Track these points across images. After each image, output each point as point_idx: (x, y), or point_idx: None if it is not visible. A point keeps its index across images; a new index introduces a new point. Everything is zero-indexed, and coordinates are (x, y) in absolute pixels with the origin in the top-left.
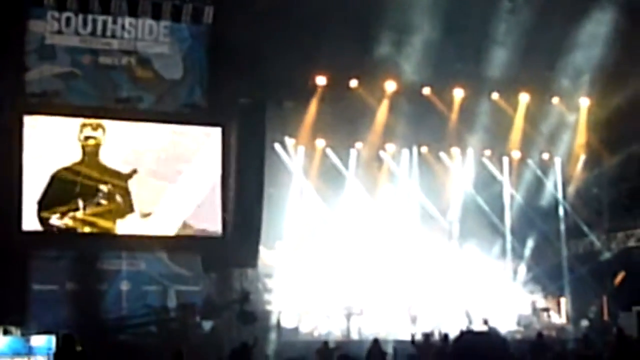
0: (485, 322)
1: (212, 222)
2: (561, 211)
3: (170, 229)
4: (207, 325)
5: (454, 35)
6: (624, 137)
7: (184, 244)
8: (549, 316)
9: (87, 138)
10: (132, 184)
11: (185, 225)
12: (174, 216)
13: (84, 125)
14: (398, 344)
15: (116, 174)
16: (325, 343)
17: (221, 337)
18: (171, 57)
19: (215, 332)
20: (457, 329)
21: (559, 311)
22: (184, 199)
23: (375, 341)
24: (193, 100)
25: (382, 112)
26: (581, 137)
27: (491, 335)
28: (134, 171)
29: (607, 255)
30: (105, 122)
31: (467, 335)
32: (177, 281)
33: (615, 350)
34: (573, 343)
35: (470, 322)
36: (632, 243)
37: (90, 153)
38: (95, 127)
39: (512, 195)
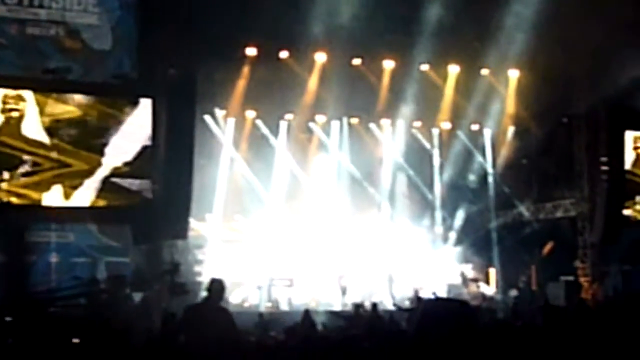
0: (416, 293)
1: (142, 193)
2: (490, 182)
3: (98, 200)
4: (137, 296)
5: (383, 7)
6: (551, 108)
7: (114, 216)
8: (478, 286)
9: (10, 110)
10: (58, 155)
11: (115, 196)
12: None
13: (6, 97)
14: (328, 314)
15: (41, 145)
16: (261, 315)
17: (151, 308)
18: (100, 28)
19: (145, 304)
20: (387, 299)
21: (488, 281)
22: (114, 170)
23: (307, 312)
24: (122, 72)
25: (312, 83)
26: (510, 108)
27: (458, 302)
28: (60, 141)
29: (535, 225)
30: (30, 93)
31: (432, 302)
32: (107, 253)
33: (542, 319)
34: (502, 313)
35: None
36: (560, 213)
37: (14, 124)
38: (19, 98)
39: (442, 167)
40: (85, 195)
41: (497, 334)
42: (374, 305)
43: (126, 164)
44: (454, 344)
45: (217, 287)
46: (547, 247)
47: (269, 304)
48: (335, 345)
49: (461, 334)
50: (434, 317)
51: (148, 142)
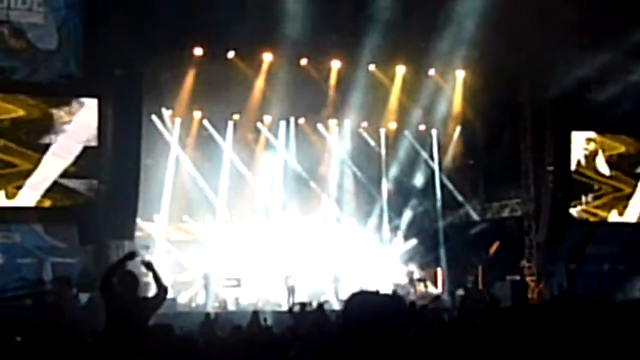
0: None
1: (88, 194)
2: (437, 182)
3: (45, 201)
4: (84, 298)
5: (330, 7)
6: (498, 108)
7: (61, 217)
8: (425, 286)
9: None
10: (3, 155)
11: (61, 196)
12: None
13: None
14: (276, 314)
15: None
16: (208, 315)
17: (98, 309)
18: (46, 28)
19: (92, 305)
20: (334, 299)
21: (435, 281)
22: (59, 170)
23: (255, 313)
24: (69, 71)
25: (259, 83)
26: (457, 108)
27: (388, 295)
28: (6, 141)
29: (482, 225)
30: None
31: (360, 295)
32: (53, 254)
33: (488, 319)
34: (449, 312)
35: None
36: (506, 213)
37: None
38: None
39: (389, 167)
40: (31, 195)
41: (444, 333)
42: (320, 305)
43: (72, 164)
44: (381, 340)
45: (129, 280)
46: (494, 247)
47: (217, 304)
48: (281, 345)
49: (387, 328)
50: (359, 311)
51: (94, 143)
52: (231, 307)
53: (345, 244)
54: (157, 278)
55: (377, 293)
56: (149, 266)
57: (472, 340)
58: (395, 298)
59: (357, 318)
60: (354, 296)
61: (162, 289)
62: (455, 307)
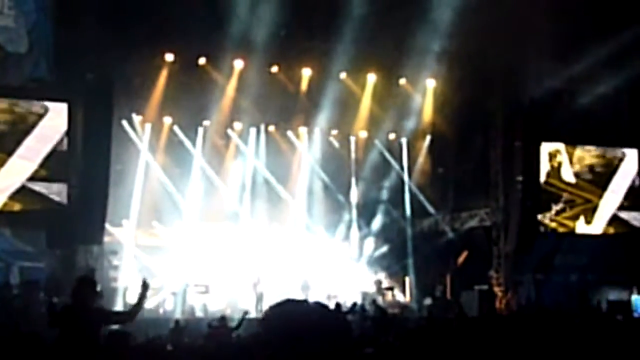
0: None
1: (57, 198)
2: (407, 191)
3: (12, 204)
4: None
5: (301, 14)
6: (468, 118)
7: (28, 220)
8: (393, 295)
9: None
10: None
11: (29, 200)
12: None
13: None
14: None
15: None
16: (177, 322)
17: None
18: (16, 31)
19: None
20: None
21: (403, 290)
22: (28, 174)
23: (222, 318)
24: (39, 75)
25: (229, 90)
26: (427, 117)
27: (315, 305)
28: None
29: (450, 234)
30: None
31: (283, 304)
32: (21, 257)
33: (455, 327)
34: (416, 321)
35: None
36: (474, 223)
37: None
38: None
39: (358, 175)
40: None
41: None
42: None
43: (41, 167)
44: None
45: (84, 287)
46: (462, 257)
47: (184, 310)
48: (249, 351)
49: (311, 339)
50: (277, 321)
51: (63, 146)
52: (199, 314)
53: (313, 251)
54: (141, 299)
55: (303, 302)
56: (145, 286)
57: (439, 349)
58: (326, 307)
59: (275, 328)
60: (277, 305)
61: (135, 313)
62: (423, 315)
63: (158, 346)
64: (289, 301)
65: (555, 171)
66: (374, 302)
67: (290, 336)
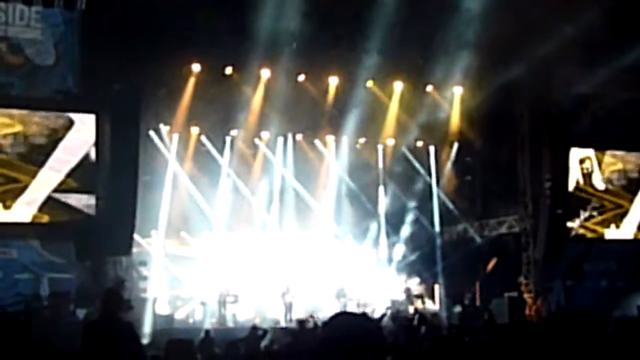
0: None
1: (86, 209)
2: (435, 198)
3: (41, 216)
4: (81, 313)
5: (329, 23)
6: (495, 124)
7: (57, 232)
8: (423, 302)
9: None
10: (4, 170)
11: (57, 212)
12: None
13: None
14: (273, 330)
15: None
16: (207, 331)
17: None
18: (43, 43)
19: (89, 320)
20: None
21: (432, 297)
22: (56, 185)
23: (254, 328)
24: (66, 87)
25: (257, 99)
26: (454, 125)
27: (365, 317)
28: (5, 156)
29: (479, 241)
30: None
31: (341, 317)
32: (50, 269)
33: (486, 335)
34: (447, 329)
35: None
36: (503, 230)
37: None
38: None
39: (386, 183)
40: (27, 210)
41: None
42: (321, 322)
43: (69, 179)
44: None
45: (112, 299)
46: (491, 264)
47: (214, 320)
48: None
49: (362, 349)
50: (339, 331)
51: (91, 158)
52: (229, 324)
53: (342, 259)
54: None
55: (358, 315)
56: None
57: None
58: (371, 319)
59: (337, 338)
60: (336, 316)
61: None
62: (453, 323)
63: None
64: (345, 314)
65: (585, 177)
66: (416, 310)
67: (349, 349)
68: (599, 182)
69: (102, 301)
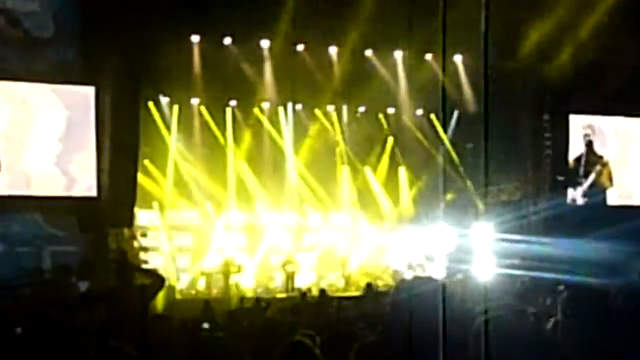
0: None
1: (87, 183)
2: (439, 166)
3: (44, 189)
4: (83, 286)
5: None
6: (495, 92)
7: (59, 205)
8: (424, 271)
9: None
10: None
11: (60, 185)
12: (47, 177)
13: None
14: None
15: None
16: (207, 302)
17: (97, 297)
18: (42, 16)
19: (91, 293)
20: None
21: (433, 265)
22: (59, 159)
23: (257, 300)
24: (65, 59)
25: (256, 70)
26: (454, 92)
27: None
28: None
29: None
30: None
31: (413, 280)
32: (52, 242)
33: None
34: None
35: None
36: (504, 197)
37: None
38: None
39: (387, 152)
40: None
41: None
42: (322, 291)
43: (70, 152)
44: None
45: (125, 271)
46: None
47: (216, 291)
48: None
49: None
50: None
51: (92, 131)
52: (232, 294)
53: (347, 229)
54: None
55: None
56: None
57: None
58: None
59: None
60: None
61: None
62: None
63: (194, 326)
64: (417, 278)
65: (587, 144)
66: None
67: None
68: (600, 149)
69: (116, 272)
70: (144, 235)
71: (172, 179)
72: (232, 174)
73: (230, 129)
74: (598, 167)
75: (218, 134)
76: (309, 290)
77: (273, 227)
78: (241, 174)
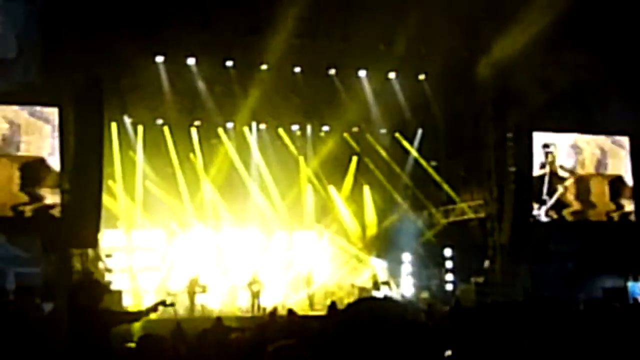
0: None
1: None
2: (400, 185)
3: (5, 210)
4: (48, 307)
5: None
6: (458, 110)
7: (22, 225)
8: (390, 289)
9: None
10: None
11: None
12: (9, 197)
13: None
14: (240, 319)
15: None
16: (178, 323)
17: (62, 318)
18: (4, 36)
19: (55, 314)
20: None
21: (399, 284)
22: (21, 179)
23: (218, 319)
24: (28, 79)
25: (220, 90)
26: (418, 111)
27: (392, 301)
28: None
29: (445, 227)
30: None
31: (366, 302)
32: (16, 263)
33: (452, 319)
34: (413, 314)
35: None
36: (469, 215)
37: None
38: None
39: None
40: None
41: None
42: (290, 310)
43: (34, 173)
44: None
45: (91, 289)
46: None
47: (182, 312)
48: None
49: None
50: (363, 316)
51: (56, 151)
52: (197, 314)
53: (309, 247)
54: (155, 307)
55: (381, 299)
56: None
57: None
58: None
59: (360, 322)
60: (360, 301)
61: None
62: (420, 308)
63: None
64: (365, 300)
65: (549, 161)
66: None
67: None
68: (563, 165)
69: (83, 291)
70: (108, 256)
71: (135, 198)
72: (197, 193)
73: (195, 149)
74: (562, 185)
75: (182, 153)
76: (275, 309)
77: (238, 246)
78: (206, 194)
